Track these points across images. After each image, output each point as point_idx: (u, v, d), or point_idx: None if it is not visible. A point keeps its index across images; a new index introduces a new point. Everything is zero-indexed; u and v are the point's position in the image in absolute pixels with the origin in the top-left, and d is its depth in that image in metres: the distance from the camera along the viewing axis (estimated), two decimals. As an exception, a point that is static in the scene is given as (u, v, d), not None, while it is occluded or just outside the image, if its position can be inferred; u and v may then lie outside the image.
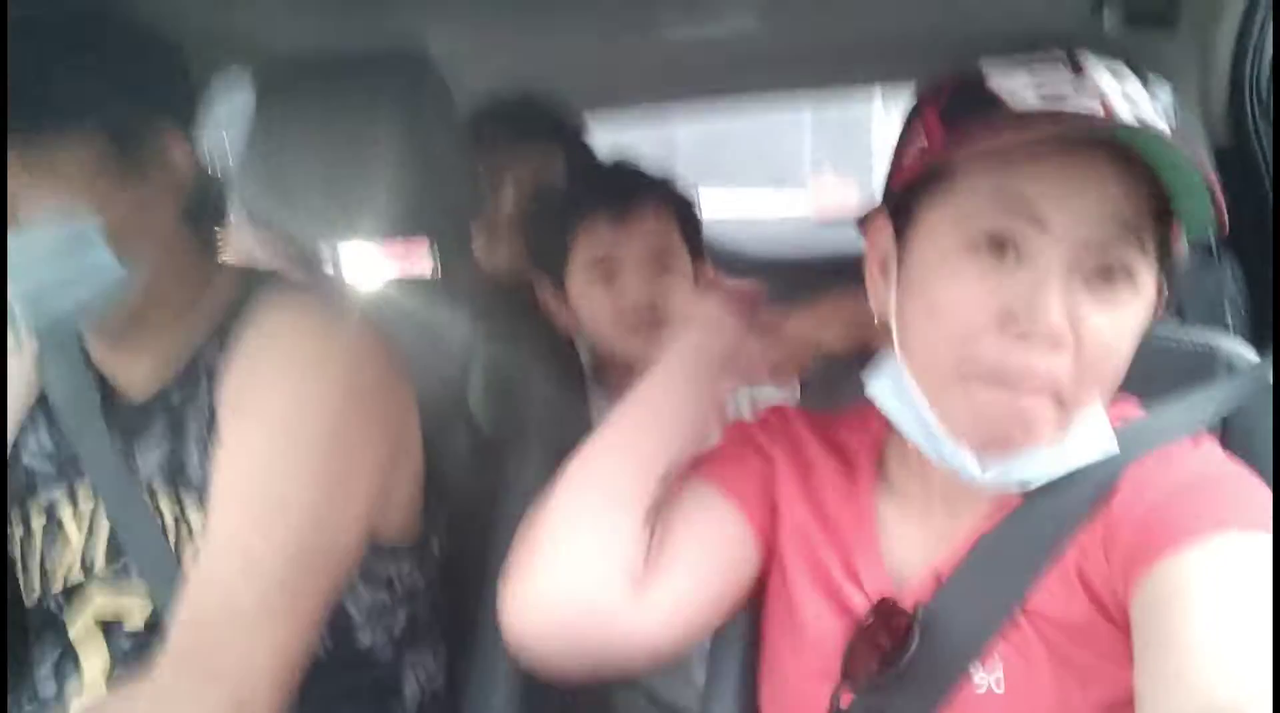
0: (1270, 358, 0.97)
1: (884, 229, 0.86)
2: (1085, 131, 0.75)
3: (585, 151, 1.81)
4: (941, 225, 0.79)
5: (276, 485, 1.00)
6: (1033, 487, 0.82)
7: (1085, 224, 0.75)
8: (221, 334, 1.09)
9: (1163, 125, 0.75)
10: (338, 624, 1.09)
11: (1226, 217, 0.75)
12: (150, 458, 1.08)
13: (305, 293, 1.14)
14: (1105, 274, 0.76)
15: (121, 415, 1.10)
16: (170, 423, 1.08)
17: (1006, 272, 0.76)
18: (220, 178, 1.15)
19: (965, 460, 0.80)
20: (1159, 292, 0.81)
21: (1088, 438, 0.81)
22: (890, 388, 0.85)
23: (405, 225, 1.31)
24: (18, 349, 1.17)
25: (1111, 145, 0.75)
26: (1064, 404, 0.77)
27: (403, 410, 1.14)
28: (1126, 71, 0.80)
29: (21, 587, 1.13)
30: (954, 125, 0.79)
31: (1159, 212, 0.77)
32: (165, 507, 1.06)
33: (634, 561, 0.85)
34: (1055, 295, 0.74)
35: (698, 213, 1.49)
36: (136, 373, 1.12)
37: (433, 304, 1.36)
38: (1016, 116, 0.75)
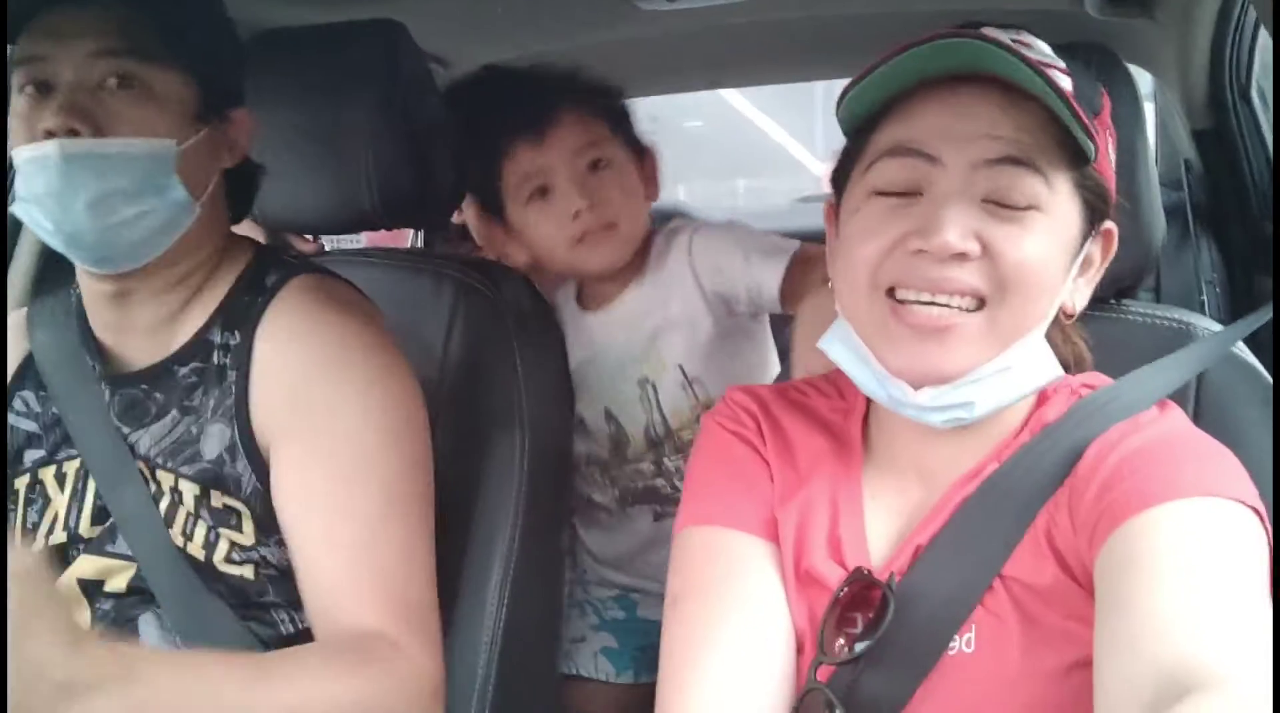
0: (1235, 328, 0.99)
1: (831, 212, 0.92)
2: (935, 40, 0.77)
3: None
4: (859, 184, 0.85)
5: (376, 487, 1.01)
6: (979, 414, 0.82)
7: (973, 149, 0.79)
8: (233, 310, 1.08)
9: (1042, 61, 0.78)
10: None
11: (1089, 123, 0.78)
12: (149, 429, 1.06)
13: (328, 277, 1.12)
14: (1007, 196, 0.79)
15: (115, 383, 1.09)
16: (176, 396, 1.06)
17: (910, 205, 0.81)
18: (261, 169, 1.16)
19: (901, 387, 0.81)
20: (1088, 222, 0.84)
21: (1026, 362, 0.82)
22: (838, 337, 0.87)
23: (389, 219, 1.29)
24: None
25: (994, 82, 0.79)
26: (988, 315, 0.79)
27: (419, 397, 1.13)
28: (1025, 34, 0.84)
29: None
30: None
31: (1064, 144, 0.80)
32: (162, 478, 1.05)
33: None
34: (950, 215, 0.77)
35: (623, 104, 1.43)
36: (136, 340, 1.09)
37: (411, 284, 1.33)
38: (895, 52, 0.80)
